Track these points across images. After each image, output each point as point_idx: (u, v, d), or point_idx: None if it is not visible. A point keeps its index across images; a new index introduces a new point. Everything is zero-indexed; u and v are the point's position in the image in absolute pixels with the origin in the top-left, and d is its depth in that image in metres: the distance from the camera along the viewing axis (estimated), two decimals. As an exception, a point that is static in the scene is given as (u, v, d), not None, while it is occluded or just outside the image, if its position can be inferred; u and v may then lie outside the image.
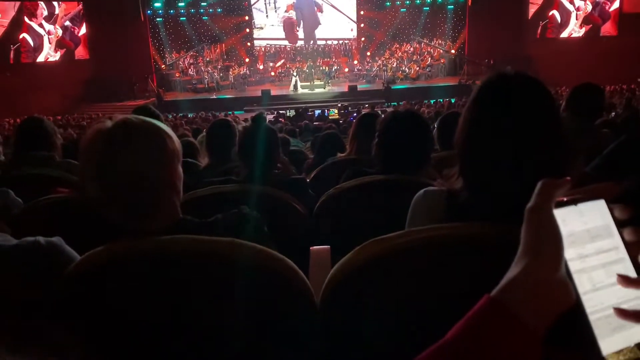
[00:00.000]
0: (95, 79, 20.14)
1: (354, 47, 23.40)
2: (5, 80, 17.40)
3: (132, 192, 1.01)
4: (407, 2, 22.56)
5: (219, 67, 22.11)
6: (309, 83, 20.58)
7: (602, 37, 20.00)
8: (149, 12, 21.54)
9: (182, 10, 22.23)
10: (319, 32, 23.39)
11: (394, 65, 21.35)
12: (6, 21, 18.53)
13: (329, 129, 5.51)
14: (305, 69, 21.43)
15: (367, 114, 2.93)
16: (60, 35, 19.88)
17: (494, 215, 0.82)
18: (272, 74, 22.27)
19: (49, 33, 19.56)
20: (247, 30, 23.17)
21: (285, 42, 23.64)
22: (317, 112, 14.87)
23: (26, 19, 18.85)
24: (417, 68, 21.16)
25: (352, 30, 23.48)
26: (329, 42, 23.56)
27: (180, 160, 1.12)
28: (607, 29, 20.18)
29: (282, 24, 23.30)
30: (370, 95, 18.79)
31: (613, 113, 6.83)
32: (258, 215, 1.22)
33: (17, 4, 18.61)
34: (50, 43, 19.67)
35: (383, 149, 1.84)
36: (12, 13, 18.63)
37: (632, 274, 0.48)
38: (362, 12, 22.94)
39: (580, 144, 2.41)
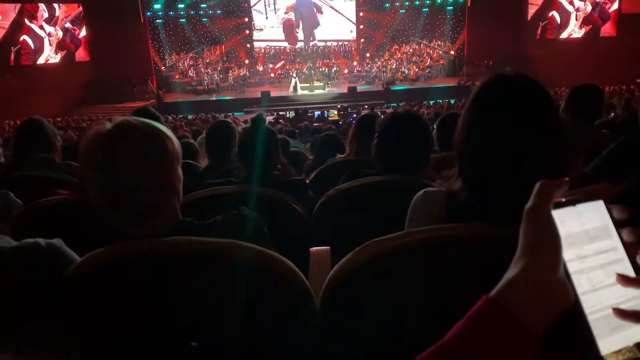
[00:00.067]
0: (95, 80, 20.15)
1: (353, 49, 23.42)
2: (5, 82, 17.41)
3: (132, 194, 1.01)
4: (407, 3, 22.58)
5: (219, 68, 22.12)
6: (308, 84, 20.59)
7: (601, 38, 20.02)
8: (148, 13, 21.56)
9: (182, 12, 22.26)
10: (319, 34, 23.41)
11: (394, 67, 21.36)
12: (7, 23, 18.54)
13: (328, 130, 5.51)
14: (304, 70, 21.44)
15: (366, 115, 2.93)
16: (61, 37, 19.89)
17: (493, 215, 0.82)
18: (272, 75, 22.29)
19: (49, 35, 19.57)
20: (247, 31, 23.20)
21: (285, 44, 23.66)
22: (317, 113, 14.87)
23: (26, 21, 18.86)
24: (417, 69, 21.17)
25: (351, 31, 23.51)
26: (329, 44, 23.58)
27: (180, 162, 1.12)
28: (607, 29, 20.20)
29: (281, 26, 23.32)
30: (369, 96, 18.80)
31: (612, 114, 6.84)
32: (258, 217, 1.23)
33: (18, 6, 18.63)
34: (50, 45, 19.68)
35: (382, 150, 1.84)
36: (12, 15, 18.65)
37: (631, 274, 0.49)
38: (361, 14, 22.97)
39: (580, 144, 2.41)
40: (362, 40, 23.37)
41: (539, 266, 0.47)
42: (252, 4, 22.89)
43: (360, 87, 19.89)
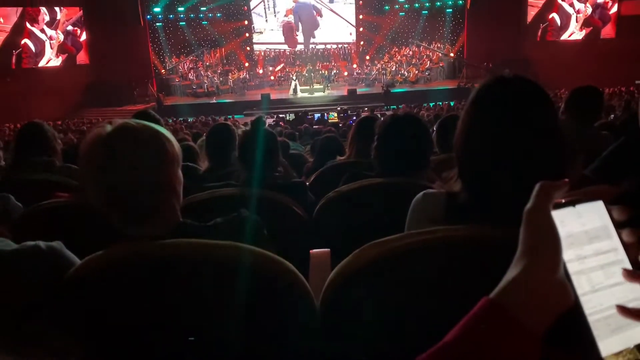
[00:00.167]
0: (95, 83, 20.18)
1: (353, 51, 23.47)
2: (5, 85, 17.43)
3: (132, 196, 1.02)
4: (406, 6, 22.63)
5: (219, 71, 22.17)
6: (308, 87, 20.62)
7: (600, 40, 20.05)
8: (148, 17, 21.61)
9: (182, 15, 22.31)
10: (319, 36, 23.46)
11: (393, 69, 21.40)
12: (8, 26, 18.59)
13: (328, 133, 5.52)
14: (304, 73, 21.48)
15: (366, 117, 2.94)
16: (62, 40, 19.94)
17: (492, 217, 0.83)
18: (272, 78, 22.32)
19: (50, 38, 19.62)
20: (247, 34, 23.24)
21: (285, 47, 23.70)
22: (317, 115, 14.89)
23: (28, 25, 18.90)
24: (416, 71, 21.20)
25: (351, 34, 23.56)
26: (328, 46, 23.62)
27: (180, 164, 1.12)
28: (607, 31, 20.24)
29: (281, 29, 23.37)
30: (369, 98, 18.82)
31: (612, 115, 6.84)
32: (258, 219, 1.23)
33: (19, 9, 18.67)
34: (52, 48, 19.72)
35: (382, 152, 1.84)
36: (14, 19, 18.68)
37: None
38: (361, 16, 23.02)
39: (579, 146, 2.41)
40: (361, 42, 23.42)
41: (539, 267, 0.47)
42: (252, 7, 22.94)
43: (360, 90, 19.92)
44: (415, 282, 0.88)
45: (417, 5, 22.51)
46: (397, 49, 22.90)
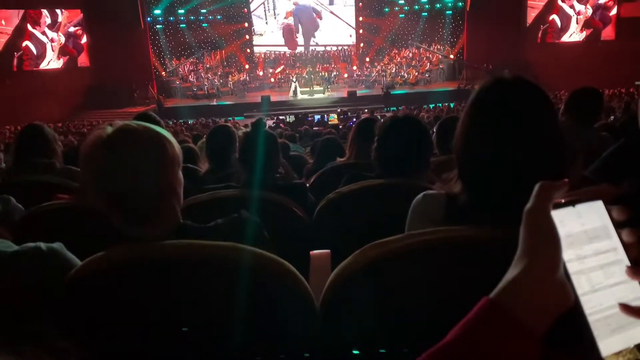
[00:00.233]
0: (96, 86, 20.20)
1: (353, 53, 23.49)
2: (6, 87, 17.44)
3: (133, 198, 1.02)
4: (406, 8, 22.66)
5: (219, 73, 22.19)
6: (308, 89, 20.64)
7: (600, 42, 20.07)
8: (149, 19, 21.64)
9: (182, 18, 22.34)
10: (319, 38, 23.49)
11: (393, 71, 21.43)
12: (10, 29, 18.62)
13: (328, 134, 5.52)
14: (304, 74, 21.50)
15: (366, 119, 2.94)
16: (63, 42, 19.97)
17: (492, 217, 0.83)
18: (272, 80, 22.34)
19: (51, 40, 19.65)
20: (247, 36, 23.27)
21: (285, 49, 23.73)
22: (317, 117, 14.90)
23: (29, 27, 18.93)
24: (416, 73, 21.22)
25: (351, 36, 23.58)
26: (328, 48, 23.65)
27: (180, 166, 1.12)
28: (607, 33, 20.27)
29: (281, 31, 23.40)
30: (369, 100, 18.83)
31: (612, 117, 6.85)
32: (258, 220, 1.23)
33: (21, 12, 18.70)
34: (53, 50, 19.75)
35: (382, 154, 1.84)
36: (15, 21, 18.72)
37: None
38: (360, 18, 23.05)
39: (579, 147, 2.41)
40: (361, 44, 23.44)
41: (539, 266, 0.47)
42: (252, 10, 22.98)
43: (360, 92, 19.94)
44: (416, 283, 0.88)
45: (416, 7, 22.53)
46: (397, 51, 22.93)
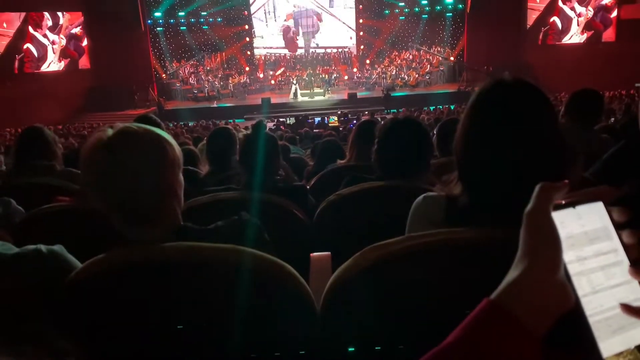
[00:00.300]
0: (96, 88, 20.22)
1: (353, 55, 23.52)
2: (7, 90, 17.47)
3: (133, 200, 1.02)
4: (406, 10, 22.69)
5: (220, 75, 22.21)
6: (308, 91, 20.65)
7: (600, 44, 20.10)
8: (149, 21, 21.68)
9: (183, 20, 22.37)
10: (319, 40, 23.52)
11: (393, 73, 21.44)
12: (11, 31, 18.66)
13: (328, 136, 5.52)
14: (305, 77, 21.52)
15: (366, 121, 2.94)
16: (64, 45, 20.01)
17: (493, 219, 0.83)
18: (272, 82, 22.36)
19: (52, 43, 19.69)
20: (247, 39, 23.31)
21: (285, 51, 23.77)
22: (317, 119, 14.92)
23: (30, 29, 18.97)
24: (416, 75, 21.24)
25: (351, 38, 23.62)
26: (329, 50, 23.68)
27: (181, 168, 1.12)
28: (608, 34, 20.29)
29: (281, 33, 23.44)
30: (369, 102, 18.84)
31: (612, 119, 6.84)
32: (258, 222, 1.23)
33: (22, 14, 18.75)
34: (54, 53, 19.79)
35: (382, 156, 1.84)
36: (17, 23, 18.76)
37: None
38: (361, 21, 23.08)
39: (579, 149, 2.41)
40: (362, 46, 23.47)
41: (539, 268, 0.47)
42: (252, 12, 23.02)
43: (360, 94, 19.94)
44: (416, 285, 0.88)
45: (417, 9, 22.56)
46: (397, 53, 22.95)
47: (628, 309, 0.47)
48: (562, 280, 0.47)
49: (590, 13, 20.37)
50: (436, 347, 0.47)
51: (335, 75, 22.09)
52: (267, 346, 0.99)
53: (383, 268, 0.88)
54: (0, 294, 0.93)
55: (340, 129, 10.59)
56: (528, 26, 20.88)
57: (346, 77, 22.32)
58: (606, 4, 20.11)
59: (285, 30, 23.28)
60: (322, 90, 20.57)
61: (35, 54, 19.23)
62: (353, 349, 0.92)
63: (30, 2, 18.85)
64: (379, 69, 21.99)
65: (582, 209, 0.50)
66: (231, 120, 15.53)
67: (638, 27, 18.59)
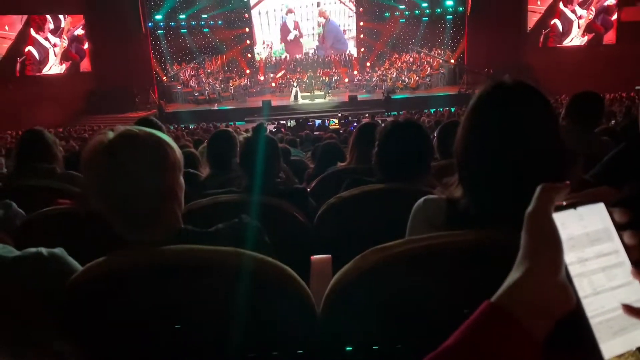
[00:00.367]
0: (97, 91, 20.27)
1: (353, 58, 23.55)
2: (8, 92, 17.51)
3: (134, 203, 1.02)
4: (406, 12, 22.74)
5: (220, 78, 22.25)
6: (309, 93, 20.68)
7: (601, 46, 20.12)
8: (150, 24, 21.73)
9: (183, 23, 22.43)
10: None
11: (394, 75, 21.46)
12: (13, 34, 18.72)
13: (329, 139, 5.52)
14: (305, 79, 21.55)
15: (366, 123, 2.94)
16: (66, 47, 20.06)
17: (493, 221, 0.83)
18: (273, 84, 22.39)
19: (54, 46, 19.74)
20: (248, 41, 23.35)
21: (286, 53, 23.81)
22: (318, 122, 14.92)
23: (32, 32, 19.02)
24: (417, 78, 21.26)
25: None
26: (329, 53, 23.74)
27: (181, 171, 1.12)
28: (608, 37, 20.31)
29: (280, 34, 23.49)
30: (370, 105, 18.86)
31: (613, 121, 6.84)
32: (259, 225, 1.23)
33: (24, 17, 18.80)
34: (55, 56, 19.83)
35: (383, 158, 1.84)
36: (19, 26, 18.82)
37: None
38: (361, 23, 23.13)
39: (580, 151, 2.41)
40: (362, 49, 23.51)
41: (540, 270, 0.47)
42: (252, 15, 23.06)
43: (361, 96, 19.96)
44: (417, 288, 0.88)
45: (417, 12, 22.62)
46: (397, 56, 22.98)
47: (630, 310, 0.47)
48: (563, 282, 0.47)
49: (591, 15, 20.40)
50: (437, 349, 0.47)
51: (335, 77, 22.12)
52: (267, 349, 0.99)
53: (384, 271, 0.88)
54: (1, 296, 0.93)
55: (341, 131, 10.60)
56: (529, 29, 20.90)
57: (347, 80, 22.36)
58: (607, 6, 20.13)
59: (285, 30, 23.32)
60: (322, 93, 20.60)
61: (37, 56, 19.29)
62: (351, 348, 0.92)
63: (32, 5, 18.91)
64: (379, 72, 22.01)
65: (583, 210, 0.50)
66: (232, 123, 15.56)
67: (639, 30, 18.60)
